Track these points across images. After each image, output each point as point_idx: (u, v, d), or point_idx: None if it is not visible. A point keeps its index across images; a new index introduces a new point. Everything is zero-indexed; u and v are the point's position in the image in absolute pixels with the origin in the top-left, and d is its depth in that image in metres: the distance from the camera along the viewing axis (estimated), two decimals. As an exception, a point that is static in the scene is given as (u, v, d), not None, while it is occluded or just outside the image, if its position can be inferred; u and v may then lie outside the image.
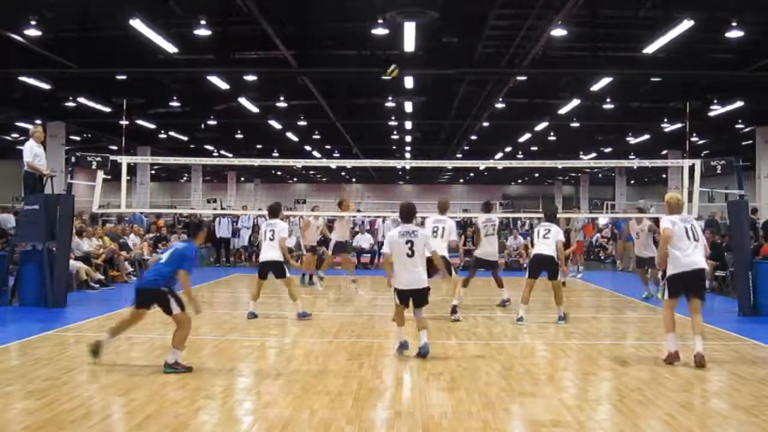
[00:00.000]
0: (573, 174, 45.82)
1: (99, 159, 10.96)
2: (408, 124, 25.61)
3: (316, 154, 33.75)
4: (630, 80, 17.34)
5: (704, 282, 7.06)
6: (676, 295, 6.91)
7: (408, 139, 30.17)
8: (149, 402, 5.17)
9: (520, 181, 53.30)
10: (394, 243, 6.93)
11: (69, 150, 21.50)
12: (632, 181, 45.17)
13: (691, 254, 6.81)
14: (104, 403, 5.18)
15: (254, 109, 20.80)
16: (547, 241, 9.47)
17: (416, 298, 6.99)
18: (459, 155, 31.89)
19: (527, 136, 26.43)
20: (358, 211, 22.41)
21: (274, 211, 9.96)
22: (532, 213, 30.00)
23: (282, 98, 19.98)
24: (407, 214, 7.14)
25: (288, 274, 9.63)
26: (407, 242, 6.88)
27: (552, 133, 26.13)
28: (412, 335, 7.16)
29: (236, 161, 27.63)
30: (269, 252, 9.53)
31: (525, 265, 18.93)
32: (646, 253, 11.79)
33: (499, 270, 10.98)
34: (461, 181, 53.42)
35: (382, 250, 7.27)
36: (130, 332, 7.92)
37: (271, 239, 9.49)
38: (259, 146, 32.14)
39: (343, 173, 49.37)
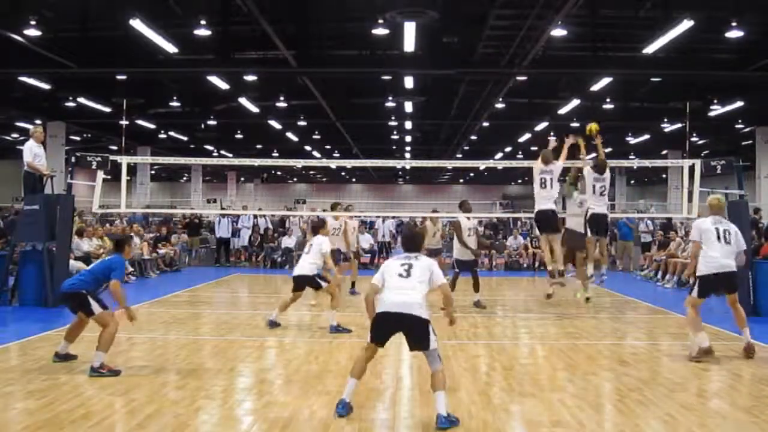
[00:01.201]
0: (573, 174, 45.78)
1: (99, 159, 10.96)
2: (408, 124, 25.62)
3: (316, 154, 33.76)
4: (630, 80, 17.35)
5: (736, 281, 7.14)
6: (704, 295, 6.98)
7: (408, 139, 30.18)
8: (149, 402, 5.17)
9: (520, 181, 53.25)
10: (387, 267, 5.20)
11: (69, 150, 21.51)
12: (632, 181, 45.17)
13: (719, 256, 6.90)
14: (104, 403, 5.17)
15: (254, 109, 20.81)
16: (603, 198, 9.91)
17: (407, 331, 4.97)
18: (459, 155, 31.91)
19: (527, 136, 26.42)
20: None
21: (315, 229, 9.32)
22: (532, 213, 29.96)
23: (282, 98, 20.00)
24: (410, 245, 5.35)
25: (323, 285, 8.73)
26: (403, 264, 5.11)
27: (552, 133, 26.08)
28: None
29: (236, 161, 27.64)
30: (300, 267, 8.91)
31: (525, 264, 19.07)
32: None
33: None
34: (461, 181, 53.43)
35: (371, 281, 5.22)
36: (130, 332, 7.94)
37: (306, 253, 8.98)
38: (259, 146, 32.16)
39: (343, 173, 49.39)
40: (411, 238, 5.44)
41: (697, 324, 6.89)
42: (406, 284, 5.00)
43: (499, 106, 20.37)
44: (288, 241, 19.66)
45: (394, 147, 33.01)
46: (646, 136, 26.36)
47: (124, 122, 21.62)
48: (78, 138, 27.92)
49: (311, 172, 50.86)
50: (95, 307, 6.20)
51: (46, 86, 17.00)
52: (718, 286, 7.04)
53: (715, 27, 12.39)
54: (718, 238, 6.95)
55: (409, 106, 20.71)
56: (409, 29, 11.87)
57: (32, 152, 10.41)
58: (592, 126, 10.29)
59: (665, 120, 22.57)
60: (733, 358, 6.94)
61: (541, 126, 23.70)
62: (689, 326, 7.01)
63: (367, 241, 19.57)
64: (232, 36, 13.67)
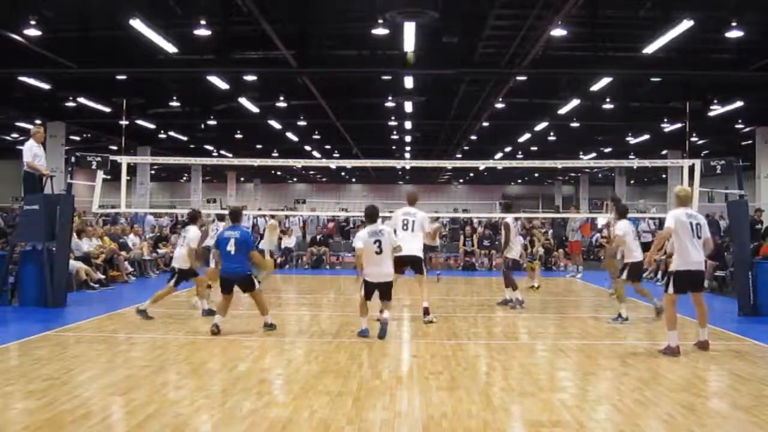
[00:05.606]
0: (573, 174, 45.82)
1: (99, 159, 10.96)
2: (408, 124, 25.60)
3: (316, 154, 33.74)
4: (630, 80, 17.34)
5: (703, 278, 7.43)
6: (680, 291, 7.13)
7: (408, 139, 30.17)
8: (149, 402, 5.16)
9: (520, 181, 53.29)
10: (365, 241, 7.90)
11: (69, 150, 21.50)
12: (632, 181, 45.18)
13: (694, 253, 7.04)
14: (104, 403, 5.17)
15: (254, 109, 20.79)
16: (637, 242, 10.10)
17: (382, 290, 7.90)
18: (459, 155, 31.89)
19: (527, 136, 26.42)
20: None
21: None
22: (532, 213, 30.00)
23: (282, 98, 19.97)
24: (370, 215, 8.15)
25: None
26: (375, 241, 7.85)
27: (552, 133, 26.13)
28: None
29: (236, 161, 27.62)
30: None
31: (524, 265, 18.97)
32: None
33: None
34: (461, 181, 53.42)
35: (354, 245, 8.40)
36: (131, 332, 7.95)
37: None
38: (259, 146, 32.15)
39: (343, 173, 49.38)
40: (370, 211, 8.17)
41: (671, 321, 7.06)
42: (380, 259, 7.92)
43: (499, 106, 20.34)
44: (287, 241, 19.68)
45: (394, 147, 33.00)
46: (646, 136, 26.36)
47: (124, 122, 21.61)
48: (78, 138, 27.90)
49: (311, 172, 50.83)
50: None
51: (46, 86, 16.99)
52: (689, 283, 7.14)
53: (715, 27, 12.38)
54: (692, 233, 7.04)
55: (409, 106, 20.70)
56: (409, 29, 11.86)
57: (32, 152, 10.40)
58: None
59: (665, 120, 22.56)
60: (733, 358, 6.94)
61: (541, 126, 23.69)
62: (666, 322, 7.19)
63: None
64: (232, 36, 13.65)
